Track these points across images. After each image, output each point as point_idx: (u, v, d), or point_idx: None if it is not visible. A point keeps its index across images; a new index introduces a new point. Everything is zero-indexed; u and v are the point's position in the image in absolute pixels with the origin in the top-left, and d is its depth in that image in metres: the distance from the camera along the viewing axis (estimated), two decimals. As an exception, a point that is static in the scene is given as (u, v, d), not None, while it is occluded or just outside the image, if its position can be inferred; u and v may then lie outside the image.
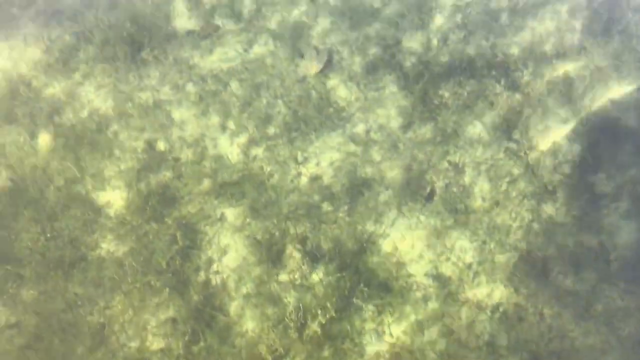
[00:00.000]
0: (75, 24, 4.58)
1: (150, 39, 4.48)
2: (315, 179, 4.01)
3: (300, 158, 4.07)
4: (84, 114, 4.23)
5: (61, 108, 4.26)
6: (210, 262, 3.74)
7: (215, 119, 4.20)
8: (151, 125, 4.18)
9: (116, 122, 4.19)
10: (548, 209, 3.72)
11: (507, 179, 3.83)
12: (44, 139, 4.11)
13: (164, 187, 3.99)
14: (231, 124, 4.19)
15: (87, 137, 4.13)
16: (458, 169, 3.91)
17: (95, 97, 4.29)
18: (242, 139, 4.15)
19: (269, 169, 4.04)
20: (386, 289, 3.61)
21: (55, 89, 4.35)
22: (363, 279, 3.63)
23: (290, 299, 3.62)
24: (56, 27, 4.58)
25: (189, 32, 4.51)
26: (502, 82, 4.14)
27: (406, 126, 4.12)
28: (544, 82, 4.09)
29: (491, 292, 3.54)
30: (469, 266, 3.63)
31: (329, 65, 4.32)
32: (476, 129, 4.03)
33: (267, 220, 3.83)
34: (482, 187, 3.83)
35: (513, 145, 3.92)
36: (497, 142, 3.96)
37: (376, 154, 4.05)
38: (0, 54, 4.51)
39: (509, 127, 3.98)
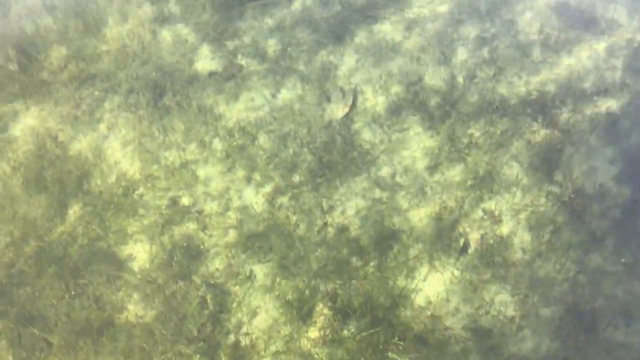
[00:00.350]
0: (106, 83, 4.61)
1: (172, 82, 4.44)
2: (342, 230, 3.84)
3: (325, 206, 3.91)
4: (112, 179, 4.21)
5: (89, 172, 4.26)
6: (240, 324, 3.63)
7: (240, 173, 4.10)
8: (176, 184, 4.12)
9: (142, 185, 4.16)
10: (596, 258, 3.42)
11: (550, 228, 3.54)
12: (74, 210, 4.12)
13: (188, 238, 3.92)
14: (257, 176, 4.08)
15: (113, 202, 4.12)
16: (494, 218, 3.65)
17: (121, 157, 4.27)
18: (268, 188, 4.04)
19: (295, 219, 3.90)
20: (422, 342, 3.41)
21: (81, 143, 4.36)
22: (397, 333, 3.44)
23: (322, 355, 3.47)
24: (89, 88, 4.62)
25: (212, 74, 4.44)
26: (539, 119, 3.85)
27: (433, 168, 3.90)
28: (585, 118, 3.78)
29: (537, 346, 3.28)
30: (512, 319, 3.38)
31: (354, 107, 4.16)
32: (513, 170, 3.76)
33: (297, 278, 3.68)
34: (522, 238, 3.56)
35: (555, 189, 3.63)
36: (537, 185, 3.68)
37: (403, 200, 3.84)
38: (30, 115, 4.56)
39: (549, 168, 3.69)
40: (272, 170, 4.07)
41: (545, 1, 4.22)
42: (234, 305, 3.67)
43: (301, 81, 4.30)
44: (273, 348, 3.51)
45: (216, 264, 3.83)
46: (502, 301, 3.42)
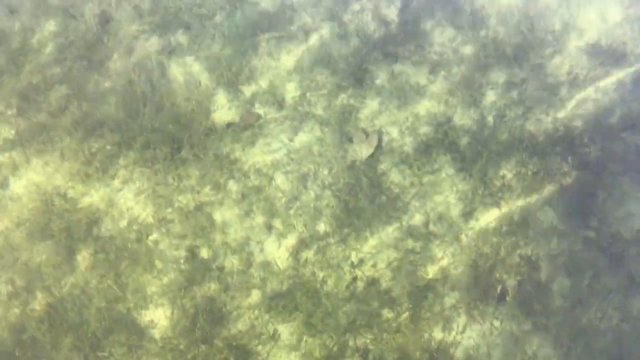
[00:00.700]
0: (118, 134, 4.29)
1: (190, 135, 4.18)
2: (372, 283, 3.66)
3: (355, 260, 3.73)
4: (123, 223, 3.94)
5: (99, 218, 3.98)
6: (265, 386, 3.41)
7: (260, 219, 3.88)
8: (192, 230, 3.87)
9: (156, 230, 3.90)
10: (637, 303, 3.35)
11: (589, 273, 3.46)
12: (83, 256, 3.83)
13: (210, 301, 3.67)
14: (277, 223, 3.86)
15: (127, 249, 3.84)
16: (531, 264, 3.55)
17: (134, 204, 4.01)
18: (291, 239, 3.82)
19: (321, 275, 3.70)
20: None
21: (93, 197, 4.08)
22: (436, 387, 3.27)
23: (354, 411, 3.28)
24: (98, 139, 4.29)
25: (229, 125, 4.21)
26: (569, 159, 3.79)
27: (468, 214, 3.78)
28: (615, 158, 3.74)
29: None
30: (554, 372, 3.26)
31: (379, 148, 4.00)
32: (547, 215, 3.67)
33: (325, 335, 3.48)
34: (561, 284, 3.46)
35: (592, 234, 3.55)
36: (573, 231, 3.59)
37: (437, 250, 3.70)
38: (33, 169, 4.22)
39: (584, 213, 3.62)
40: (294, 217, 3.87)
41: (575, 44, 4.17)
42: (260, 366, 3.44)
43: (320, 124, 4.13)
44: (304, 407, 3.29)
45: (239, 326, 3.59)
46: (545, 355, 3.29)
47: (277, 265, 3.75)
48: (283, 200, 3.91)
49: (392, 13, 4.53)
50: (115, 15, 5.01)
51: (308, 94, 4.24)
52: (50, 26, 5.06)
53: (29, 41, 5.00)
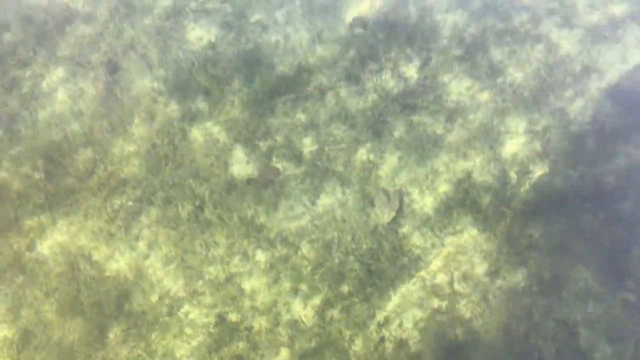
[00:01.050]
0: (139, 190, 4.42)
1: (211, 191, 4.27)
2: (401, 345, 3.56)
3: (380, 319, 3.65)
4: (155, 297, 3.99)
5: (130, 291, 4.04)
6: None
7: (286, 284, 3.87)
8: (222, 300, 3.89)
9: (187, 302, 3.94)
10: (686, 371, 3.13)
11: (632, 341, 3.26)
12: (115, 333, 3.89)
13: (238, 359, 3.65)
14: (303, 287, 3.84)
15: (158, 322, 3.88)
16: (568, 329, 3.39)
17: (164, 275, 4.06)
18: (316, 300, 3.79)
19: (348, 334, 3.63)
20: None
21: (119, 263, 4.16)
22: None
23: None
24: (120, 196, 4.42)
25: (249, 181, 4.27)
26: (600, 215, 3.65)
27: (494, 273, 3.66)
28: (651, 214, 3.58)
29: None
30: None
31: (400, 211, 3.96)
32: (580, 274, 3.51)
33: (356, 404, 3.39)
34: (603, 352, 3.28)
35: (630, 297, 3.37)
36: (609, 292, 3.42)
37: (465, 310, 3.58)
38: (58, 230, 4.35)
39: (620, 273, 3.45)
40: (319, 281, 3.84)
41: (596, 85, 4.09)
42: None
43: (341, 185, 4.13)
44: None
45: (269, 386, 3.55)
46: None
47: (303, 322, 3.72)
48: (309, 268, 3.89)
49: (411, 70, 4.55)
50: (123, 64, 5.21)
51: (326, 148, 4.27)
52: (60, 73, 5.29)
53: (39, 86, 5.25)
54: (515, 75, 4.34)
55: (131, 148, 4.90)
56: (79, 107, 5.06)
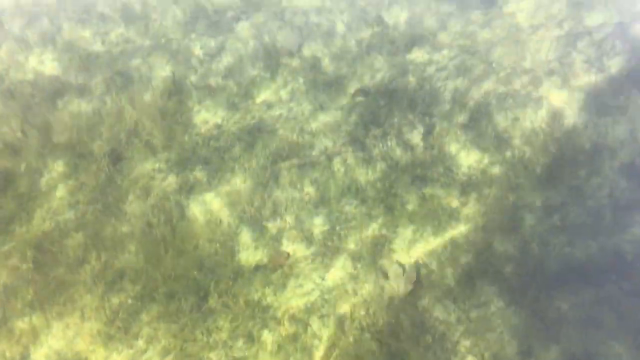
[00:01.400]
0: (139, 285, 3.99)
1: (217, 282, 3.90)
2: None
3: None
4: None
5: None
6: None
7: (296, 371, 3.46)
8: (223, 392, 3.42)
9: (183, 394, 3.44)
10: None
11: None
12: None
13: None
14: (315, 373, 3.44)
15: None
16: (612, 415, 3.11)
17: None
18: (330, 390, 3.38)
19: None
20: None
21: (114, 362, 3.67)
22: None
23: None
24: (118, 292, 3.99)
25: (257, 267, 3.95)
26: (624, 287, 3.54)
27: (525, 353, 3.40)
28: (678, 285, 3.49)
29: None
30: None
31: (418, 283, 3.73)
32: (613, 350, 3.31)
33: None
34: None
35: (672, 375, 3.18)
36: (649, 371, 3.22)
37: (498, 395, 3.26)
38: (54, 335, 3.83)
39: (656, 348, 3.28)
40: (335, 366, 3.45)
41: (609, 164, 4.12)
42: None
43: (352, 260, 3.89)
44: None
45: None
46: None
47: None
48: (321, 347, 3.51)
49: (415, 137, 4.54)
50: (127, 154, 4.94)
51: (337, 227, 4.05)
52: (59, 167, 4.94)
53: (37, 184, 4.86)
54: (524, 149, 4.30)
55: (125, 228, 4.49)
56: (77, 198, 4.71)
